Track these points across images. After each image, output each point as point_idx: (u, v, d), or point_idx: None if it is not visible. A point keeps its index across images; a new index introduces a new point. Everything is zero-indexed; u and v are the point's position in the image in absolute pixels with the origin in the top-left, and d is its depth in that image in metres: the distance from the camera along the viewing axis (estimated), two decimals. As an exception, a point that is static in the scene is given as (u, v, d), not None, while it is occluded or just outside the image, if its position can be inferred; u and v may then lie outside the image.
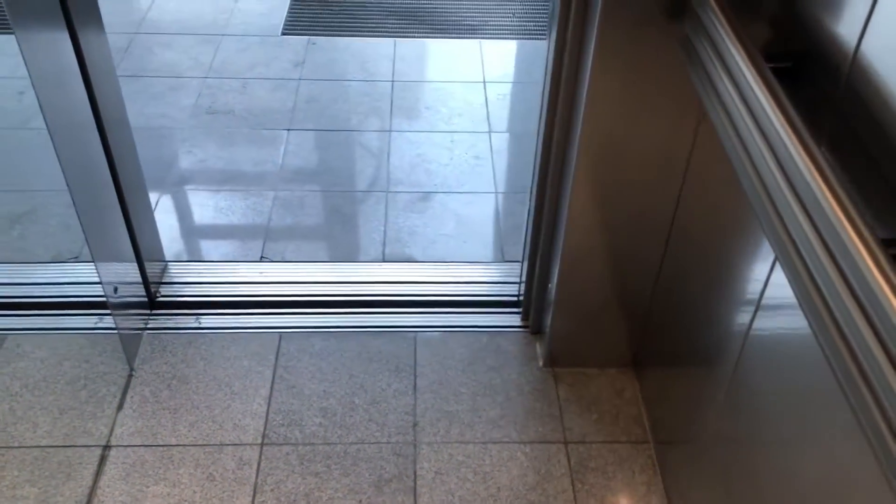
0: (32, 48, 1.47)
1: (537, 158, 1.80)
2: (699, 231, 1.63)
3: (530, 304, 2.09)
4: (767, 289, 1.26)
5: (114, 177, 1.92)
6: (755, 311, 1.31)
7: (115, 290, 1.95)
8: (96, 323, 2.16)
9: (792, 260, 0.94)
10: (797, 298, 0.93)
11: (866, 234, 0.82)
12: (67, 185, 1.66)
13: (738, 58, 1.11)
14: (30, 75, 1.47)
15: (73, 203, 1.69)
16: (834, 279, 0.85)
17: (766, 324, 1.28)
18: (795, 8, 1.18)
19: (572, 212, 1.72)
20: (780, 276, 1.22)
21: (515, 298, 2.21)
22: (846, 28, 1.02)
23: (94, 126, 1.78)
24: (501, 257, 2.37)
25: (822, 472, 1.11)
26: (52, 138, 1.56)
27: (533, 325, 2.11)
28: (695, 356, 1.64)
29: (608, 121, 1.57)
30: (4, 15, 1.51)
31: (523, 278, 2.10)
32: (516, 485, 1.80)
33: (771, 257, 1.24)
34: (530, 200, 1.94)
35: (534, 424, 1.92)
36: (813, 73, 1.11)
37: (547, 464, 1.84)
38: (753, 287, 1.31)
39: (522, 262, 2.10)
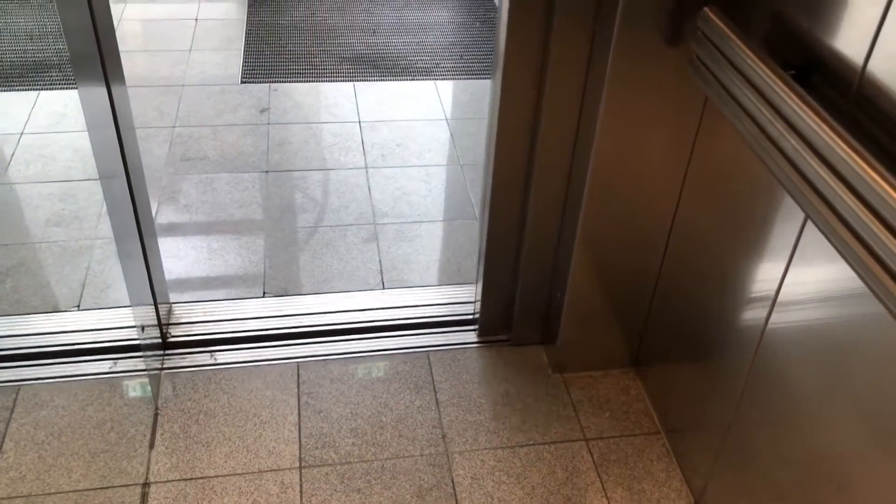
0: (88, 101, 1.55)
1: (487, 187, 1.99)
2: (698, 239, 1.83)
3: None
4: (784, 287, 1.45)
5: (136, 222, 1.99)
6: (772, 306, 1.49)
7: (143, 329, 2.00)
8: (111, 367, 2.20)
9: (826, 219, 1.13)
10: (837, 248, 1.12)
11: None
12: (112, 230, 1.72)
13: (756, 68, 1.31)
14: (87, 126, 1.55)
15: (117, 248, 1.75)
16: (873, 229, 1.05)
17: (783, 317, 1.47)
18: (794, 26, 1.38)
19: (584, 227, 1.89)
20: (796, 276, 1.42)
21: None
22: (852, 45, 1.22)
23: (124, 173, 1.86)
24: (494, 278, 2.52)
25: (847, 448, 1.30)
26: (101, 185, 1.64)
27: (542, 336, 2.27)
28: (701, 351, 1.82)
29: (617, 141, 1.75)
30: None
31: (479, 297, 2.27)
32: (548, 482, 1.93)
33: (784, 260, 1.43)
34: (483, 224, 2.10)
35: (554, 426, 2.06)
36: (818, 83, 1.31)
37: (573, 460, 1.98)
38: (767, 286, 1.50)
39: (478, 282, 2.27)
